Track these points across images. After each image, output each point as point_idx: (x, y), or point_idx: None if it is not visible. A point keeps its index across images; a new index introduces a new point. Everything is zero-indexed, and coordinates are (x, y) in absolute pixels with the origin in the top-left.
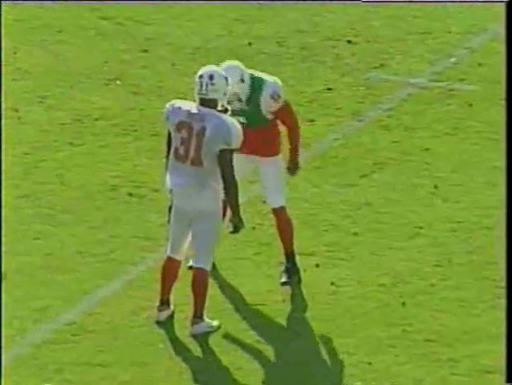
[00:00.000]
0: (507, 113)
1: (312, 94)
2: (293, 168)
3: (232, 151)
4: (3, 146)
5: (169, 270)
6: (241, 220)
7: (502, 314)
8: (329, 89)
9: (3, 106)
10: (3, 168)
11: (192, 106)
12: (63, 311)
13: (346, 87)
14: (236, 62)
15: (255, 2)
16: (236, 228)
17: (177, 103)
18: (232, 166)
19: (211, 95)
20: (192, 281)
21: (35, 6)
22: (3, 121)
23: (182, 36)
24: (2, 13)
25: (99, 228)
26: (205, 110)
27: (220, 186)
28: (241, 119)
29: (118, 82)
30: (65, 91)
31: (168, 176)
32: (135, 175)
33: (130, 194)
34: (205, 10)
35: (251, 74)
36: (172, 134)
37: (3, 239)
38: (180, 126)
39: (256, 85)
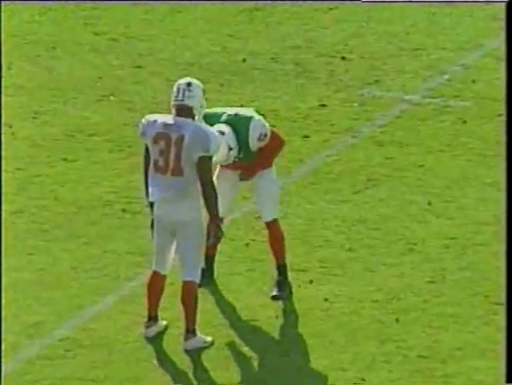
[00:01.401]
0: (507, 112)
1: (306, 110)
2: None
3: (210, 158)
4: None
5: (155, 285)
6: (220, 228)
7: (496, 330)
8: (323, 105)
9: None
10: None
11: (167, 118)
12: (57, 326)
13: (340, 103)
14: (217, 131)
15: (253, 1)
16: (216, 238)
17: (152, 116)
18: (210, 173)
19: (187, 102)
20: (182, 295)
21: (29, 22)
22: None
23: (176, 52)
24: None
25: (93, 244)
26: (181, 119)
27: (200, 195)
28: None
29: (112, 97)
30: (59, 107)
31: (150, 189)
32: (128, 191)
33: (123, 210)
34: (199, 25)
35: (232, 119)
36: (150, 147)
37: None
38: (157, 138)
39: (241, 131)
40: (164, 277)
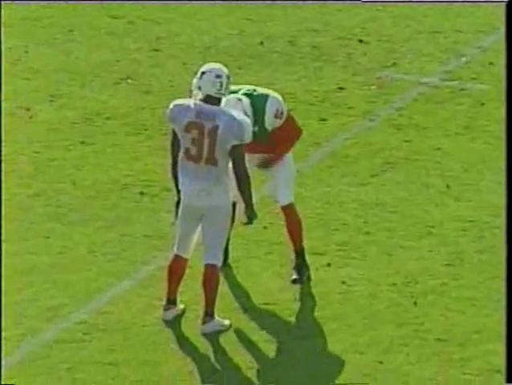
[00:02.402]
0: (507, 112)
1: (324, 93)
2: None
3: (243, 145)
4: (15, 145)
5: (176, 269)
6: (254, 212)
7: None
8: (341, 88)
9: (15, 105)
10: (15, 167)
11: (197, 105)
12: (74, 310)
13: (357, 86)
14: (235, 97)
15: (267, 1)
16: (250, 219)
17: (181, 102)
18: (244, 160)
19: (217, 94)
20: (203, 278)
21: (46, 6)
22: (14, 119)
23: (193, 35)
24: (13, 12)
25: (110, 227)
26: (213, 108)
27: (230, 181)
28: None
29: (129, 81)
30: (76, 90)
31: (180, 178)
32: (146, 174)
33: (141, 193)
34: (216, 9)
35: (251, 94)
36: (180, 134)
37: (14, 238)
38: (189, 126)
39: (258, 105)
40: (186, 260)
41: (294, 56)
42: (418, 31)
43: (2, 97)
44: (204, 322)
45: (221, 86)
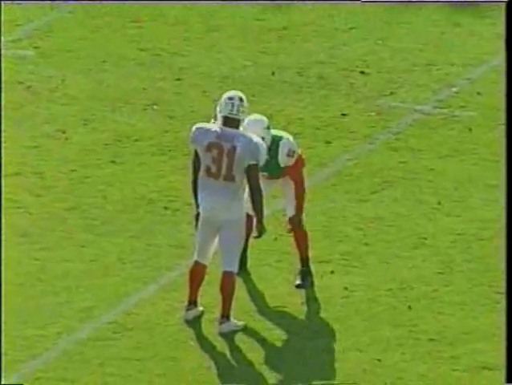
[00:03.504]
0: (507, 113)
1: (328, 119)
2: (295, 222)
3: (258, 165)
4: (53, 163)
5: (196, 273)
6: (263, 226)
7: (499, 316)
8: (344, 114)
9: (53, 128)
10: (53, 183)
11: (217, 127)
12: (105, 312)
13: (359, 112)
14: (262, 117)
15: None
16: (260, 234)
17: (203, 126)
18: (258, 178)
19: (240, 116)
20: (221, 283)
21: (81, 38)
22: (52, 141)
23: (212, 66)
24: (52, 44)
25: (138, 238)
26: (232, 131)
27: (244, 196)
28: (265, 174)
29: (155, 107)
30: (107, 115)
31: (199, 194)
32: (170, 190)
33: (165, 208)
34: (233, 42)
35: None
36: (202, 154)
37: (52, 246)
38: (210, 146)
39: (272, 145)
40: (205, 267)
41: (302, 85)
42: (414, 64)
43: (41, 121)
44: (221, 323)
45: (233, 106)
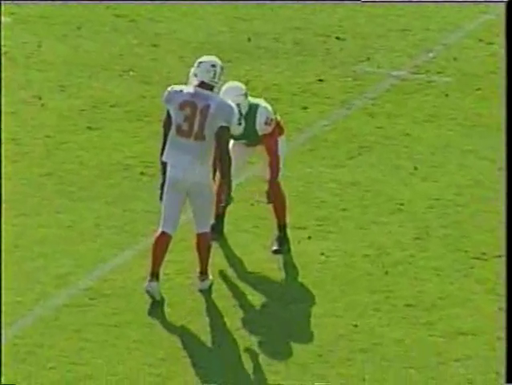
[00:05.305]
0: (507, 111)
1: (305, 84)
2: (269, 195)
3: (229, 129)
4: (29, 130)
5: (162, 245)
6: (230, 192)
7: (474, 282)
8: (320, 80)
9: (29, 94)
10: (29, 149)
11: (192, 88)
12: (81, 277)
13: (335, 78)
14: (239, 84)
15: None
16: (228, 201)
17: (177, 86)
18: (228, 143)
19: (211, 81)
20: (197, 244)
21: (57, 5)
22: (28, 107)
23: (189, 32)
24: (29, 10)
25: (114, 204)
26: (207, 91)
27: (211, 162)
28: (243, 141)
29: (131, 73)
30: (84, 81)
31: (167, 151)
32: (146, 156)
33: (142, 173)
34: (210, 8)
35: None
36: (174, 113)
37: (28, 212)
38: (183, 105)
39: (249, 113)
40: (170, 237)
41: (279, 51)
42: (390, 29)
43: (17, 87)
44: (201, 280)
45: (215, 74)
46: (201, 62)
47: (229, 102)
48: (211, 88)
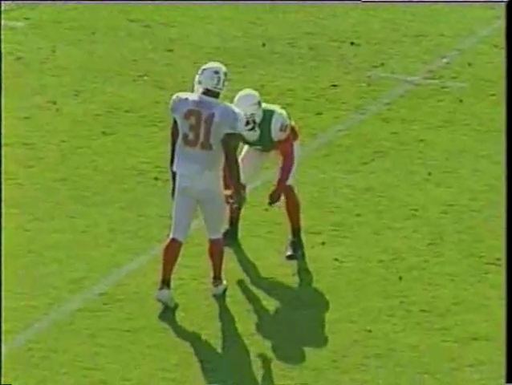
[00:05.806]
0: (507, 112)
1: (319, 90)
2: (275, 196)
3: (236, 135)
4: (44, 134)
5: (172, 252)
6: (243, 196)
7: (489, 287)
8: (334, 85)
9: (43, 99)
10: (43, 154)
11: (196, 96)
12: (96, 282)
13: (349, 83)
14: (252, 93)
15: (268, 2)
16: (239, 204)
17: (183, 94)
18: (235, 149)
19: (216, 88)
20: (209, 250)
21: (71, 9)
22: (43, 112)
23: (203, 37)
24: (42, 15)
25: (128, 209)
26: (211, 99)
27: (221, 168)
28: (258, 147)
29: (145, 78)
30: (98, 86)
31: (176, 160)
32: (160, 161)
33: (156, 178)
34: (224, 13)
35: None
36: (180, 121)
37: (43, 217)
38: (188, 114)
39: (266, 116)
40: (181, 244)
41: (293, 56)
42: (404, 34)
43: (32, 92)
44: (215, 285)
45: (219, 81)
46: (204, 69)
47: (235, 108)
48: (216, 95)
